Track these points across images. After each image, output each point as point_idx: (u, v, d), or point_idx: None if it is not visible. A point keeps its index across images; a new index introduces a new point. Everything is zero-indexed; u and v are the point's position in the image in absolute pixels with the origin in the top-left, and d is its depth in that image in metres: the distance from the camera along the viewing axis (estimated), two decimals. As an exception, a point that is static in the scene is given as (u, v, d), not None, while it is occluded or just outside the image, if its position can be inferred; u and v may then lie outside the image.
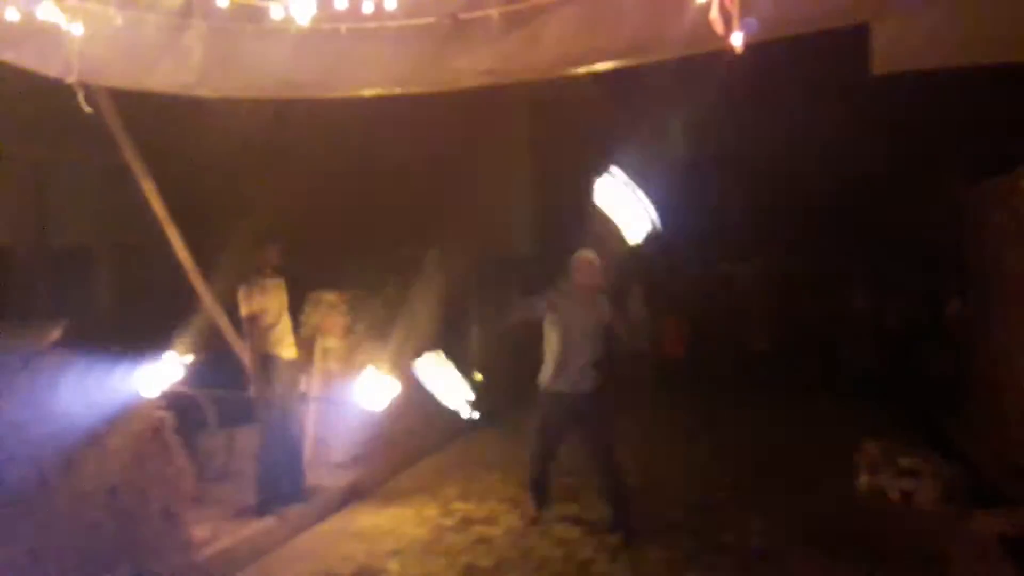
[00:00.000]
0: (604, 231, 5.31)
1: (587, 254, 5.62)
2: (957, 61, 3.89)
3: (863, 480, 6.53)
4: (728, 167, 13.11)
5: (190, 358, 5.83)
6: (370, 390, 6.36)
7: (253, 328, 5.95)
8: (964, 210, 8.66)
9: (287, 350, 6.14)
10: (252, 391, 6.02)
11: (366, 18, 3.50)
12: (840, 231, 12.27)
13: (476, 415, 5.72)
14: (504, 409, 8.71)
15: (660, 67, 3.60)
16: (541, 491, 5.95)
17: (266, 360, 6.00)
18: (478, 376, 6.54)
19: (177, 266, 5.85)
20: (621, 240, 5.14)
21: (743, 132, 12.50)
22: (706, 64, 4.11)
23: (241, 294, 5.95)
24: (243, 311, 5.95)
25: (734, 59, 3.21)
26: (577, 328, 5.56)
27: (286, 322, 6.17)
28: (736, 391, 10.73)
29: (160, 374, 5.35)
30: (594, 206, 5.14)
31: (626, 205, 5.04)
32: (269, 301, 6.02)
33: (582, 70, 3.27)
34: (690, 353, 11.43)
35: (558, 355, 5.56)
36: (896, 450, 6.60)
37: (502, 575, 5.05)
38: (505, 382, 9.63)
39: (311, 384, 7.06)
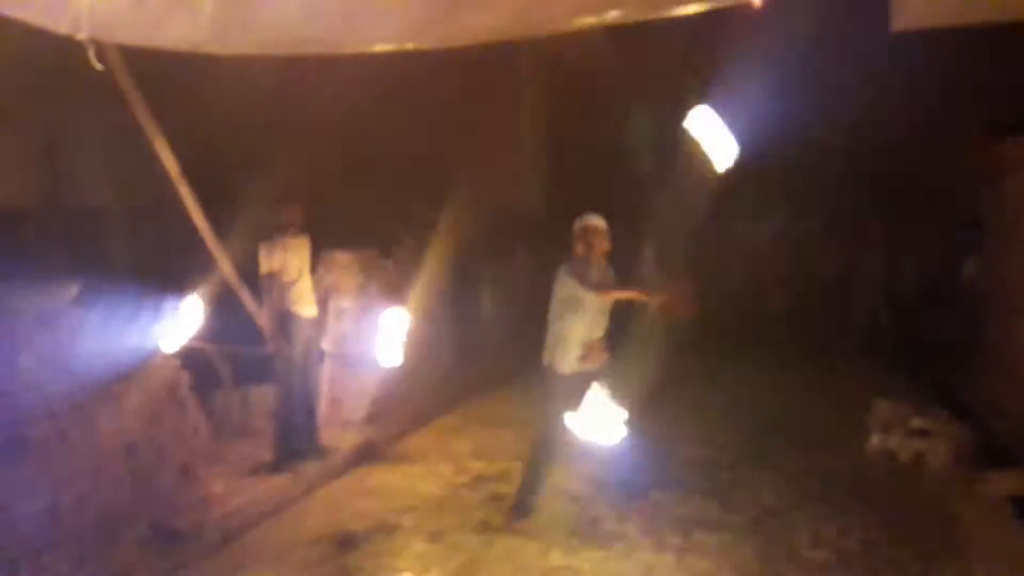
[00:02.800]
0: (690, 161, 5.21)
1: (599, 219, 5.24)
2: (977, 18, 3.79)
3: (875, 440, 6.53)
4: (744, 126, 12.94)
5: (205, 316, 5.87)
6: (384, 349, 6.40)
7: (272, 286, 5.98)
8: (981, 171, 8.56)
9: (306, 308, 6.17)
10: (270, 348, 6.07)
11: (377, -27, 3.44)
12: (857, 192, 12.15)
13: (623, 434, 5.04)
14: (515, 368, 8.75)
15: (675, 22, 3.52)
16: (531, 500, 5.34)
17: (284, 317, 6.04)
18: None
19: (191, 226, 5.86)
20: (710, 167, 5.02)
21: (759, 90, 12.32)
22: (723, 19, 4.03)
23: (261, 251, 5.99)
24: (262, 268, 5.98)
25: (753, 14, 3.14)
26: (598, 302, 5.17)
27: (306, 280, 6.18)
28: (750, 351, 10.73)
29: (176, 333, 5.39)
30: (684, 135, 5.02)
31: (715, 135, 4.99)
32: (289, 259, 6.04)
33: (593, 22, 3.20)
34: (704, 314, 11.40)
35: (583, 333, 5.15)
36: (908, 411, 6.60)
37: (515, 531, 5.10)
38: (516, 340, 9.66)
39: (326, 342, 7.11)
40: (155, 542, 4.54)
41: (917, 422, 6.40)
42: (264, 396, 6.59)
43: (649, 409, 7.96)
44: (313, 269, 6.41)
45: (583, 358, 5.14)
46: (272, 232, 6.05)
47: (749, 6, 3.05)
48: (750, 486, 5.89)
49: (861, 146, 12.63)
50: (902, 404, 6.77)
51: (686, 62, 12.86)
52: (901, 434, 6.41)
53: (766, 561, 4.69)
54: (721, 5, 3.12)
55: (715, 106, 5.05)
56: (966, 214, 9.30)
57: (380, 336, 6.40)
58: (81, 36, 3.34)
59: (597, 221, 5.21)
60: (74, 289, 4.31)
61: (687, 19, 3.55)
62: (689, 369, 10.00)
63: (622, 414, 5.00)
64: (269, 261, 5.97)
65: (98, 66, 3.47)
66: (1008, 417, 6.68)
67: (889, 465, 6.31)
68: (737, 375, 9.59)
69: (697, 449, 6.80)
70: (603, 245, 5.21)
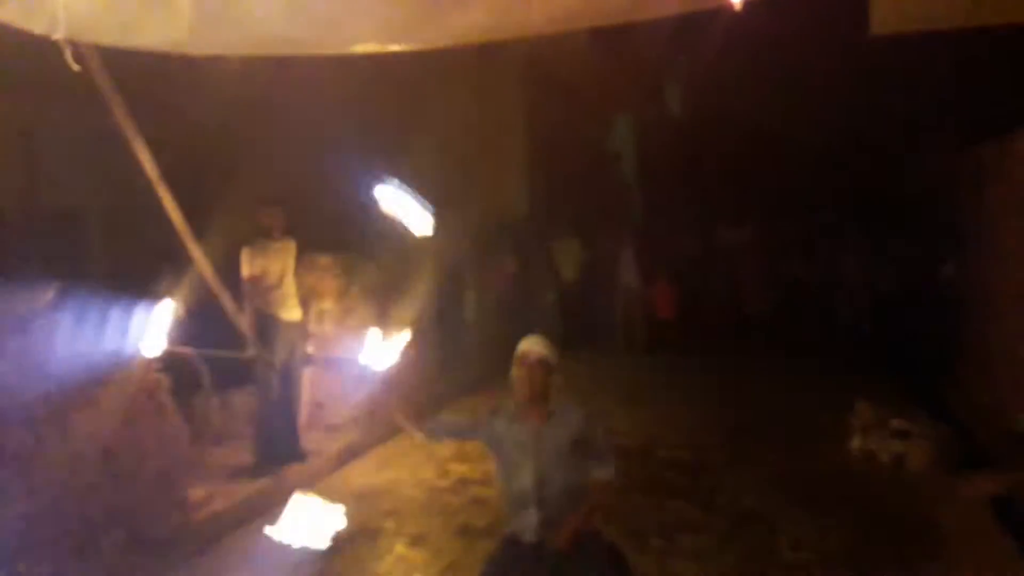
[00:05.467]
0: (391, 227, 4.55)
1: (534, 345, 3.49)
2: (954, 23, 3.84)
3: (856, 442, 6.57)
4: (725, 130, 13.04)
5: (183, 320, 5.81)
6: (368, 352, 6.36)
7: (253, 289, 5.94)
8: (959, 174, 8.64)
9: (289, 312, 6.13)
10: (250, 352, 6.02)
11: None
12: (836, 196, 12.25)
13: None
14: (496, 373, 8.74)
15: (657, 26, 3.54)
16: None
17: (266, 321, 6.00)
18: None
19: (170, 228, 5.80)
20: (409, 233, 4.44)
21: (739, 95, 12.42)
22: (702, 23, 4.05)
23: (244, 255, 5.95)
24: (244, 272, 5.94)
25: (732, 18, 3.15)
26: (532, 461, 3.40)
27: (289, 284, 6.15)
28: (730, 353, 10.79)
29: (154, 336, 5.33)
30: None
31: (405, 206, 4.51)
32: (271, 263, 6.01)
33: (577, 26, 3.21)
34: (683, 316, 11.46)
35: (511, 497, 3.54)
36: (888, 412, 6.65)
37: (496, 534, 5.08)
38: (497, 345, 9.64)
39: (309, 346, 7.07)
40: (134, 548, 4.49)
41: (897, 423, 6.45)
42: (245, 400, 6.55)
43: (631, 412, 8.01)
44: (297, 272, 6.38)
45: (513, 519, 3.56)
46: (255, 235, 6.02)
47: (729, 8, 3.05)
48: (732, 488, 5.91)
49: (841, 151, 12.77)
50: (882, 406, 6.82)
51: (668, 66, 12.94)
52: (881, 435, 6.45)
53: (748, 563, 4.70)
54: (702, 7, 3.13)
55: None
56: (945, 218, 9.39)
57: (363, 339, 6.35)
58: (58, 36, 3.30)
59: (525, 351, 3.51)
60: (50, 292, 4.25)
61: (669, 22, 3.56)
62: (670, 371, 10.05)
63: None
64: (251, 265, 5.94)
65: (75, 67, 3.42)
66: (987, 418, 6.74)
67: (870, 466, 6.34)
68: (718, 377, 9.61)
69: (678, 451, 6.81)
70: (521, 386, 3.48)
